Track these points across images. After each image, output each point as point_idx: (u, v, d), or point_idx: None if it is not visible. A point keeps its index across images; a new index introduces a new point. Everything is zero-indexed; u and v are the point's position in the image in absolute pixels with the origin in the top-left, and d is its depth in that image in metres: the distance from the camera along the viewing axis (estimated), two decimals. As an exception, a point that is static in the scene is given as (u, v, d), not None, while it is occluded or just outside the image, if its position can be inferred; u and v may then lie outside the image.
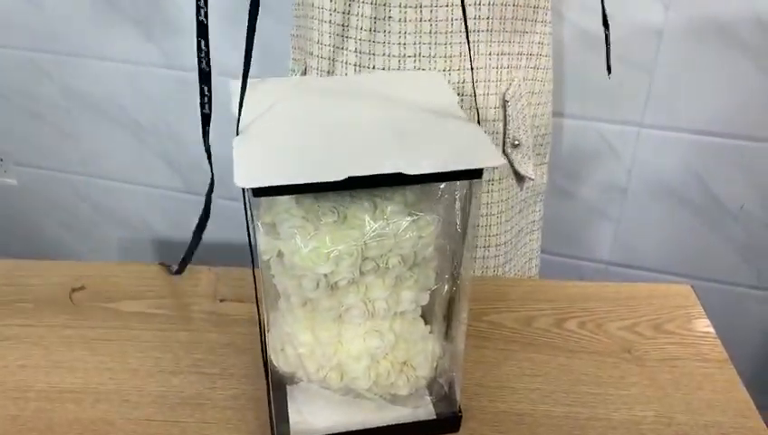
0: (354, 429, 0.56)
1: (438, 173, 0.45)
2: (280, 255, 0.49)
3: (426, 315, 0.55)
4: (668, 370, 0.65)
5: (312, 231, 0.47)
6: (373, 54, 0.76)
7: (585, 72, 1.08)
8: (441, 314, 0.56)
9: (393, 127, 0.50)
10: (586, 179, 1.18)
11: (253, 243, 0.49)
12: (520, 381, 0.63)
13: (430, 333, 0.55)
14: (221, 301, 0.72)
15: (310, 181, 0.43)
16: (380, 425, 0.56)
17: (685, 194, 1.14)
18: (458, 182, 0.49)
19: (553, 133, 1.06)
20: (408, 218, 0.48)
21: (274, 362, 0.55)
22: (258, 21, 0.47)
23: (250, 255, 0.50)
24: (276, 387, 0.57)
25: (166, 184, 1.41)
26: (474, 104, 0.74)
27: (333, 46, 0.79)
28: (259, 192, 0.44)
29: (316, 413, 0.57)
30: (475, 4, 0.74)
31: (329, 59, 0.80)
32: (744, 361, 1.26)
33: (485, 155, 0.47)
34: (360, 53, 0.77)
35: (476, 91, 0.78)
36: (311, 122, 0.51)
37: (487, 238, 0.86)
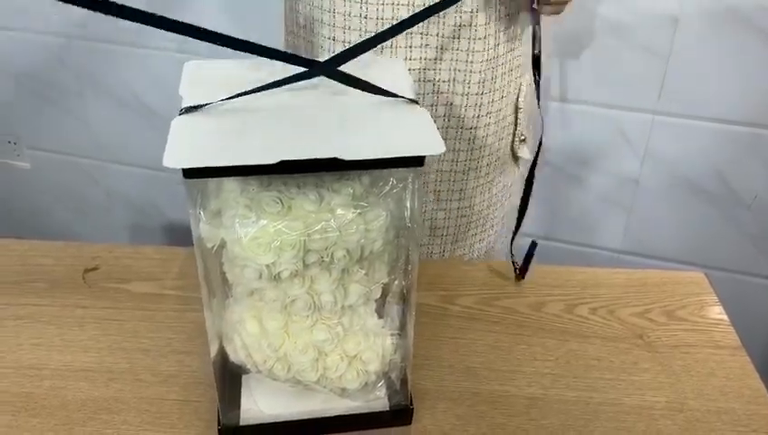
0: (304, 418, 0.55)
1: (377, 160, 0.42)
2: (223, 243, 0.48)
3: (379, 309, 0.53)
4: (681, 356, 0.64)
5: (255, 220, 0.45)
6: (349, 28, 0.76)
7: (600, 59, 1.07)
8: (396, 307, 0.54)
9: (339, 113, 0.47)
10: (598, 167, 1.17)
11: (194, 231, 0.47)
12: (531, 365, 0.63)
13: (383, 327, 0.54)
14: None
15: (240, 164, 0.41)
16: (331, 415, 0.55)
17: (698, 183, 1.13)
18: (410, 175, 0.47)
19: (549, 118, 1.07)
20: (355, 211, 0.46)
21: (227, 351, 0.54)
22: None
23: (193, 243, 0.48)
24: (233, 375, 0.56)
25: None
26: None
27: (312, 21, 0.79)
28: (189, 174, 0.42)
29: (268, 402, 0.56)
30: None
31: (307, 37, 0.81)
32: (757, 351, 1.25)
33: (428, 143, 0.44)
34: (335, 26, 0.76)
35: (492, 98, 0.80)
36: (255, 106, 0.48)
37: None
